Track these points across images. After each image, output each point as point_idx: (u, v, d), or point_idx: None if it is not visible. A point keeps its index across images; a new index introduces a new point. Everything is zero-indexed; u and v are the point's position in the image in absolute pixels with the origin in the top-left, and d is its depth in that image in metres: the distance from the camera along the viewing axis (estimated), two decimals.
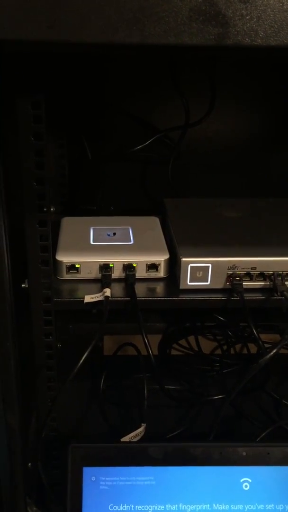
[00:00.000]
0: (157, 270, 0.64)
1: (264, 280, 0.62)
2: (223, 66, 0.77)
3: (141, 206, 0.81)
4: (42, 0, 0.37)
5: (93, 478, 0.54)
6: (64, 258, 0.63)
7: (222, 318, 0.87)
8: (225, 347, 0.91)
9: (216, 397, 0.81)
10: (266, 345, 0.62)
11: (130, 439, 0.61)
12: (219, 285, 0.62)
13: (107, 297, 0.59)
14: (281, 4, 0.38)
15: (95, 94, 0.80)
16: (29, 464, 0.65)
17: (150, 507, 0.55)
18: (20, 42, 0.38)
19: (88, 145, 0.80)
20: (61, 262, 0.63)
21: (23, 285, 0.59)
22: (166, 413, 0.79)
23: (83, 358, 0.55)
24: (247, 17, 0.38)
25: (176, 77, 0.77)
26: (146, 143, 0.80)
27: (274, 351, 0.55)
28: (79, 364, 0.55)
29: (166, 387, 0.73)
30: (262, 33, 0.39)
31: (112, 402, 0.80)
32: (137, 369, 0.79)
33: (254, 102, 0.83)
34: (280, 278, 0.62)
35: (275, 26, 0.39)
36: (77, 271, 0.63)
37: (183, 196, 0.79)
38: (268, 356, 0.55)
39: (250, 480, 0.55)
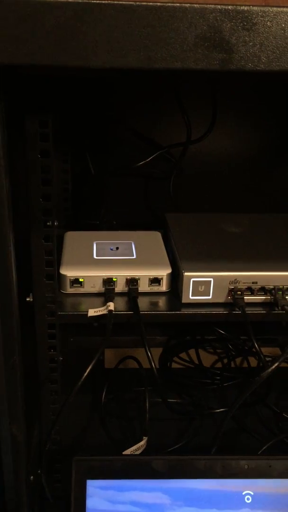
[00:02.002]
0: (159, 284, 0.65)
1: (265, 294, 0.63)
2: (225, 83, 0.79)
3: (143, 221, 0.82)
4: (53, 26, 0.39)
5: (97, 491, 0.55)
6: (68, 272, 0.64)
7: (222, 332, 0.88)
8: (225, 361, 0.92)
9: (217, 411, 0.81)
10: (267, 359, 0.63)
11: (132, 452, 0.61)
12: (221, 299, 0.63)
13: (110, 311, 0.60)
14: (283, 31, 0.40)
15: (99, 110, 0.82)
16: (31, 477, 0.65)
17: None
18: (36, 67, 0.39)
19: (91, 160, 0.82)
20: (65, 276, 0.64)
21: (27, 299, 0.59)
22: (167, 426, 0.79)
23: (87, 371, 0.56)
24: (250, 44, 0.40)
25: (178, 95, 0.79)
26: (149, 159, 0.82)
27: (276, 364, 0.56)
28: (83, 377, 0.55)
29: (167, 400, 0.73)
30: (264, 59, 0.40)
31: (113, 415, 0.81)
32: (138, 382, 0.80)
33: (256, 118, 0.85)
34: (280, 292, 0.63)
35: (277, 52, 0.40)
36: (81, 285, 0.64)
37: (185, 211, 0.80)
38: (270, 370, 0.56)
39: (252, 493, 0.55)
